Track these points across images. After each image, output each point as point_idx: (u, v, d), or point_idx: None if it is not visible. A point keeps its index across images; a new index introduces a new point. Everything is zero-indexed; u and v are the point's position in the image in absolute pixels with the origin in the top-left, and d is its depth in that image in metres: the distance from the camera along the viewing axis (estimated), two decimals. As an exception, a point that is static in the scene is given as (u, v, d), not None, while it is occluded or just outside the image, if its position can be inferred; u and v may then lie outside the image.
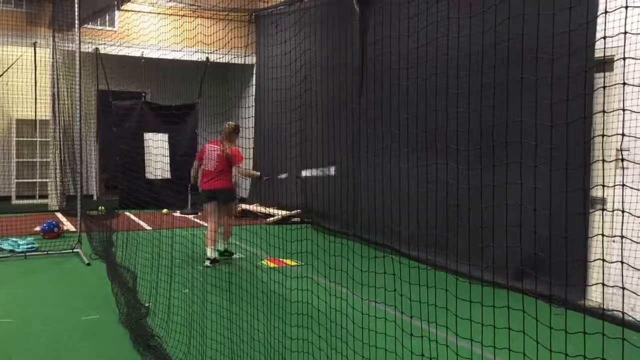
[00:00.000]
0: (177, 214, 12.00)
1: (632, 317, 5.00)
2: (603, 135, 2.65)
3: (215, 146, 7.60)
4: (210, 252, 7.38)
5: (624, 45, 2.64)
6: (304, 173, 8.10)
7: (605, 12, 2.70)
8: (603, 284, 4.14)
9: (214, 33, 6.83)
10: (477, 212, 5.13)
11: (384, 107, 5.69)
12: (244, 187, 14.50)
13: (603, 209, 5.23)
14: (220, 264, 7.36)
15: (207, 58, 12.12)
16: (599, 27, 5.06)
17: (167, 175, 12.71)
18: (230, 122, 7.62)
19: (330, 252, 4.75)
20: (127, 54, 12.54)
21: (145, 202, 11.71)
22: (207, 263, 7.32)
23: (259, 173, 8.40)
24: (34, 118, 12.60)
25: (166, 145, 12.81)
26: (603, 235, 4.94)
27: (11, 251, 7.88)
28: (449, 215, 4.80)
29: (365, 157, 8.82)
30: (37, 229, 9.13)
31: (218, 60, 11.97)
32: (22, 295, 6.03)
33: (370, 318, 5.05)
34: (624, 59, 2.44)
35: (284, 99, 6.83)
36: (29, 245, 8.04)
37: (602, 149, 4.43)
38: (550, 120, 2.63)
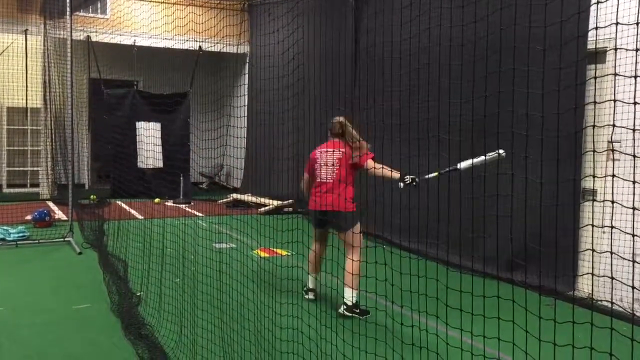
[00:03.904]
0: (169, 203, 11.98)
1: (621, 307, 5.03)
2: (594, 126, 2.65)
3: (331, 149, 5.38)
4: (348, 295, 5.06)
5: (615, 36, 2.63)
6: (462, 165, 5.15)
7: (597, 2, 2.70)
8: (592, 274, 4.16)
9: (206, 21, 6.80)
10: (469, 202, 5.14)
11: (377, 96, 5.67)
12: (237, 177, 14.47)
13: (593, 200, 5.25)
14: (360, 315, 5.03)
15: (200, 47, 12.06)
16: (592, 19, 5.06)
17: (159, 164, 12.69)
18: (339, 118, 5.47)
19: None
20: (118, 42, 12.46)
21: (137, 191, 11.70)
22: (341, 310, 5.07)
23: (398, 174, 5.10)
24: (25, 106, 12.53)
25: (158, 134, 12.78)
26: (593, 225, 4.98)
27: (2, 240, 7.85)
28: (440, 206, 4.80)
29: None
30: (29, 217, 9.10)
31: (210, 49, 11.93)
32: (13, 284, 6.01)
33: (361, 307, 5.08)
34: (615, 49, 2.44)
35: (277, 87, 6.79)
36: (20, 234, 8.01)
37: (593, 141, 4.45)
38: (542, 111, 2.63)
